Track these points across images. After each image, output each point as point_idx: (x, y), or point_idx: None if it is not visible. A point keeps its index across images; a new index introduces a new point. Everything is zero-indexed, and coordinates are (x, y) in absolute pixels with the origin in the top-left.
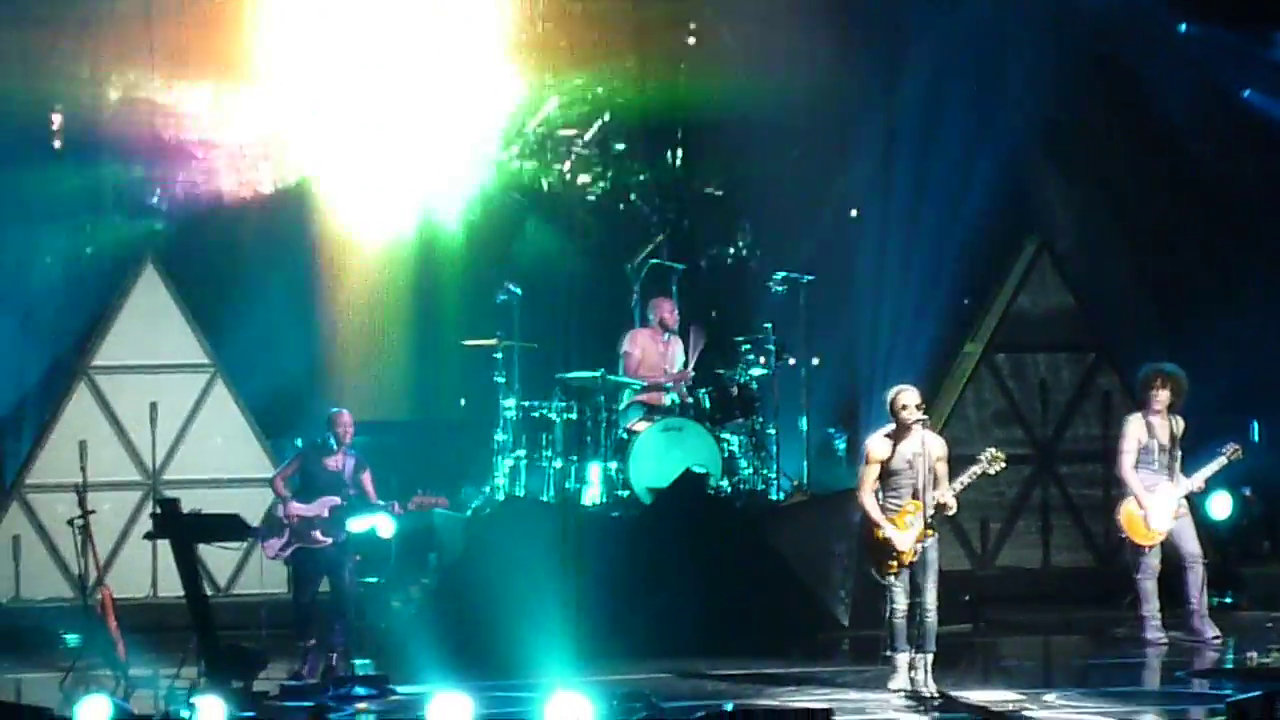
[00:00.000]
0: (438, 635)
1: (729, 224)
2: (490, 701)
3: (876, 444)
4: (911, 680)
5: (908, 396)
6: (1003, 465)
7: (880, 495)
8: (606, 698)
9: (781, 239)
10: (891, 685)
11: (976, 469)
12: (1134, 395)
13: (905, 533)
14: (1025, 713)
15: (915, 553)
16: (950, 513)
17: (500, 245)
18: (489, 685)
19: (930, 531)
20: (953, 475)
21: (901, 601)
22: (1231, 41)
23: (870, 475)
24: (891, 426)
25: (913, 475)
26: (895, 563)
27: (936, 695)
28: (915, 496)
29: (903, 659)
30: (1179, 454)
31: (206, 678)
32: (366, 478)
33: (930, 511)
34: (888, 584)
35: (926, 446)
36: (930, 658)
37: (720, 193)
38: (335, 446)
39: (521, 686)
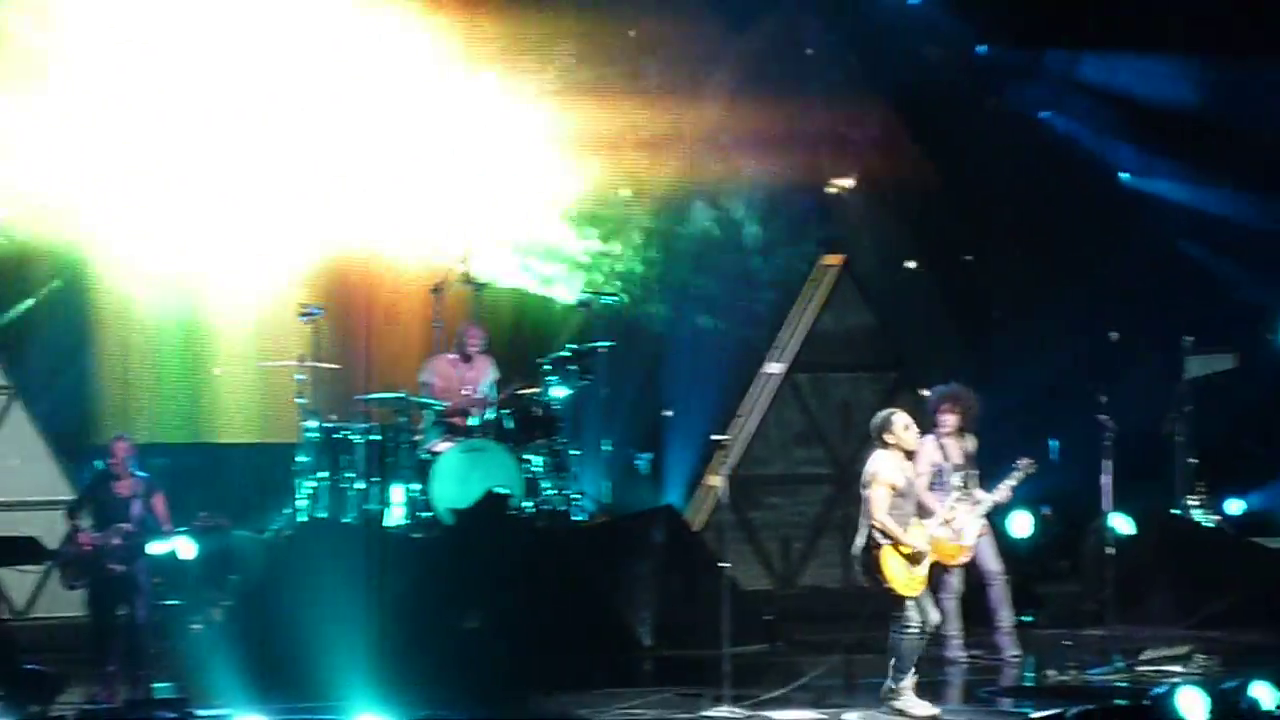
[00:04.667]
0: (239, 657)
1: None
2: None
3: (889, 468)
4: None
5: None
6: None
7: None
8: None
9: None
10: (918, 712)
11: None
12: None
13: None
14: None
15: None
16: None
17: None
18: (291, 708)
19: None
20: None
21: (918, 618)
22: (1030, 63)
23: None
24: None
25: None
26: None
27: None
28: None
29: (910, 680)
30: (975, 473)
31: (3, 701)
32: (158, 501)
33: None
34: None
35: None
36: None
37: None
38: (116, 474)
39: (324, 709)
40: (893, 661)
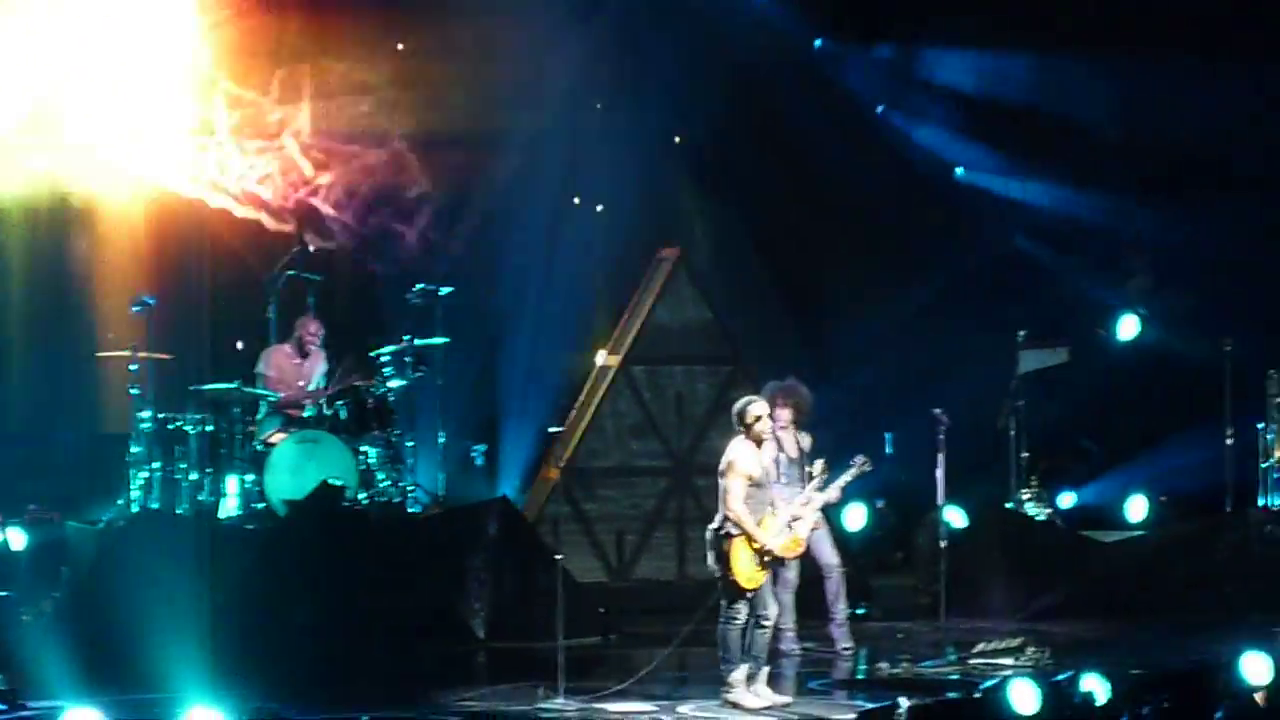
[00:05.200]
0: (70, 649)
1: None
2: (124, 716)
3: (745, 458)
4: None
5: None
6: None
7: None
8: (241, 713)
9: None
10: (749, 704)
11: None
12: None
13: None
14: None
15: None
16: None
17: (136, 254)
18: (123, 700)
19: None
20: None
21: (745, 611)
22: (866, 58)
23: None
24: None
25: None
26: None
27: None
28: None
29: (742, 673)
30: (820, 463)
31: None
32: None
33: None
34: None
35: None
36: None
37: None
38: None
39: (156, 701)
40: (721, 653)
